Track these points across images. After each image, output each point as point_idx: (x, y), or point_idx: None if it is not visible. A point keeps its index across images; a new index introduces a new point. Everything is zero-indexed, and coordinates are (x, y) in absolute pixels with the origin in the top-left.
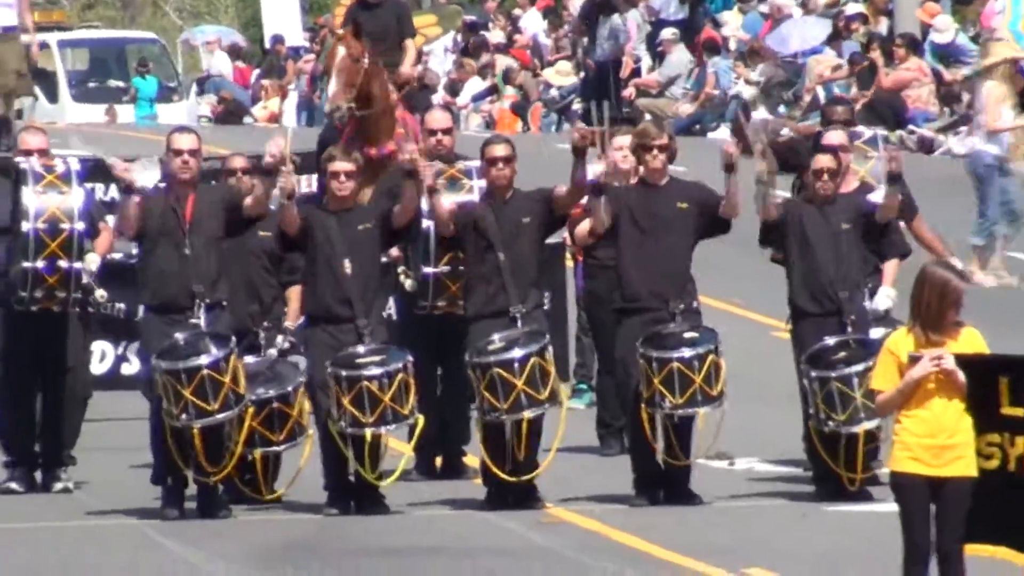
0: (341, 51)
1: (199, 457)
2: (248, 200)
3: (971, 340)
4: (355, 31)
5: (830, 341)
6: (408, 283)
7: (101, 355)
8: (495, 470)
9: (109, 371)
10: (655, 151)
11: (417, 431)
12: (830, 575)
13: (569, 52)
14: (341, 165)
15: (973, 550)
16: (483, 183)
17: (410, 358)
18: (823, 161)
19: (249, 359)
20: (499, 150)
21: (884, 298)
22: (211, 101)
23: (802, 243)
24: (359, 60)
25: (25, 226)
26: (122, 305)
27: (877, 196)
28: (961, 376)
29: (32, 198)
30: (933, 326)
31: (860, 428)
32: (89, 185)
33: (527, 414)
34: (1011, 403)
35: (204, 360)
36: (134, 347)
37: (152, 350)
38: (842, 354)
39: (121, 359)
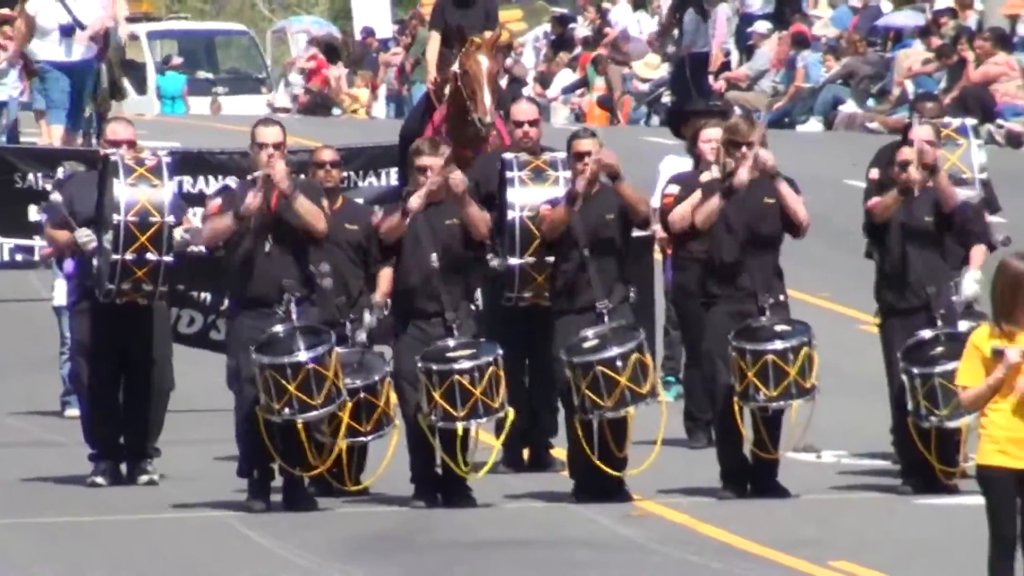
0: (485, 61)
1: (306, 452)
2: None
3: None
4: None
5: (925, 335)
6: (494, 262)
7: (190, 320)
8: (596, 461)
9: (198, 332)
10: (744, 148)
11: (507, 425)
12: (917, 568)
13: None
14: (430, 160)
15: None
16: (568, 174)
17: (500, 352)
18: (908, 153)
19: (337, 350)
20: (586, 144)
21: (971, 283)
22: (297, 92)
23: (888, 238)
24: (499, 72)
25: (115, 218)
26: (208, 294)
27: (966, 191)
28: None
29: (123, 190)
30: (1006, 315)
31: (962, 422)
32: (176, 178)
33: (631, 410)
34: None
35: (310, 355)
36: (223, 321)
37: (242, 344)
38: (939, 349)
39: (210, 326)
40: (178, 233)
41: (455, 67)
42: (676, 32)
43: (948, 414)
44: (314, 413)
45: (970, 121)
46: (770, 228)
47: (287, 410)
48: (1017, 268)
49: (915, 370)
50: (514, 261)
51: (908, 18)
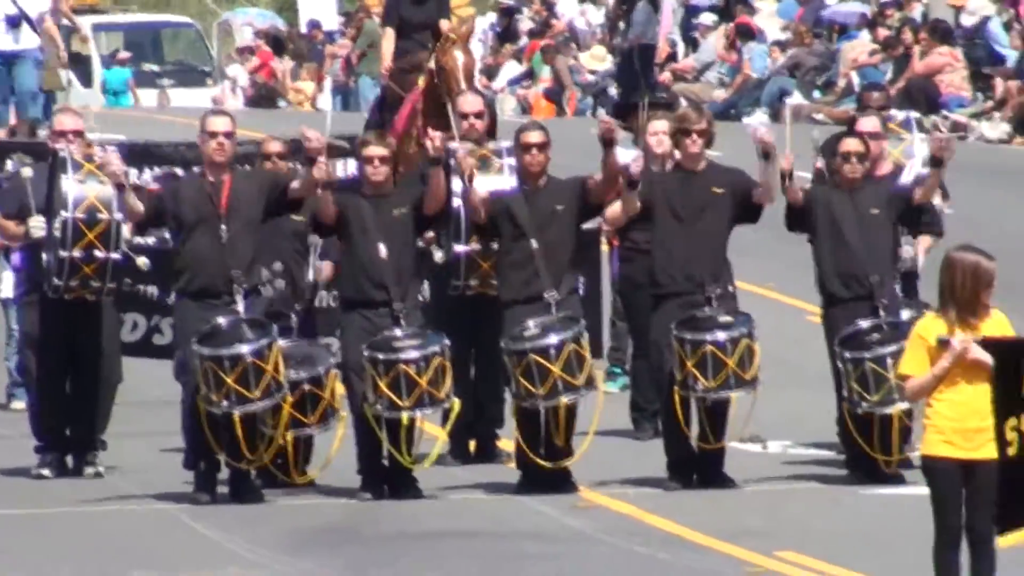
0: (462, 57)
1: (240, 444)
2: (295, 183)
3: (999, 324)
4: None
5: (863, 324)
6: (438, 255)
7: (133, 325)
8: (531, 456)
9: (140, 339)
10: (694, 136)
11: (452, 416)
12: (862, 558)
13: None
14: (375, 150)
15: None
16: (513, 161)
17: (447, 342)
18: (851, 144)
19: (281, 342)
20: (533, 136)
21: (907, 248)
22: (243, 85)
23: (831, 228)
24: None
25: (63, 214)
26: (154, 288)
27: (908, 176)
28: (990, 360)
29: (72, 186)
30: (969, 309)
31: (894, 409)
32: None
33: (564, 400)
34: None
35: (248, 348)
36: (167, 321)
37: (189, 335)
38: (875, 336)
39: (153, 330)
40: (141, 262)
41: (431, 63)
42: (622, 24)
43: (879, 400)
44: (252, 406)
45: (914, 115)
46: (718, 217)
47: (225, 402)
48: (973, 258)
49: (848, 354)
50: (460, 248)
51: (854, 9)
